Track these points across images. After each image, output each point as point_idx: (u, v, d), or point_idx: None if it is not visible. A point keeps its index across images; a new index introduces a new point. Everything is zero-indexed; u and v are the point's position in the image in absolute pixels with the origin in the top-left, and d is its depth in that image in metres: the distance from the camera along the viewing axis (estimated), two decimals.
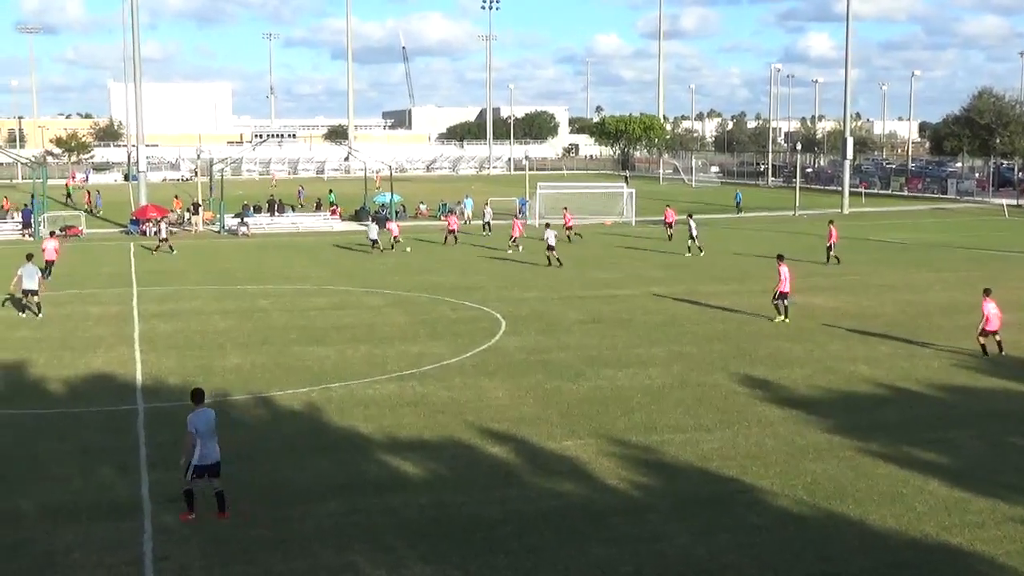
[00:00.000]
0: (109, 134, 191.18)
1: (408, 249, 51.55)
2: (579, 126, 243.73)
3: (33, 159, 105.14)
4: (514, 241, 50.95)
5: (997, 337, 26.46)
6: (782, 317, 31.55)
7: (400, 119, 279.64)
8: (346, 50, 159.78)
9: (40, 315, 33.08)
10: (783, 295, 31.67)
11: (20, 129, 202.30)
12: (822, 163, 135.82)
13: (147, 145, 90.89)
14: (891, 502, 16.37)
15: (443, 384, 24.05)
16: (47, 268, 40.36)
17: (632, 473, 17.88)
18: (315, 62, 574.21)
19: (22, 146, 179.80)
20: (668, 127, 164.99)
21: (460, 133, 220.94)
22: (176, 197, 76.86)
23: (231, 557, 14.44)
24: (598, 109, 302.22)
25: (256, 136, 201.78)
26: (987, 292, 26.87)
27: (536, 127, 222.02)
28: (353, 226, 67.44)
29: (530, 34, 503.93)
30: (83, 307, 35.16)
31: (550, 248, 45.48)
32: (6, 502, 16.64)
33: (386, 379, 24.56)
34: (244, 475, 17.75)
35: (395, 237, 52.62)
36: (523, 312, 33.51)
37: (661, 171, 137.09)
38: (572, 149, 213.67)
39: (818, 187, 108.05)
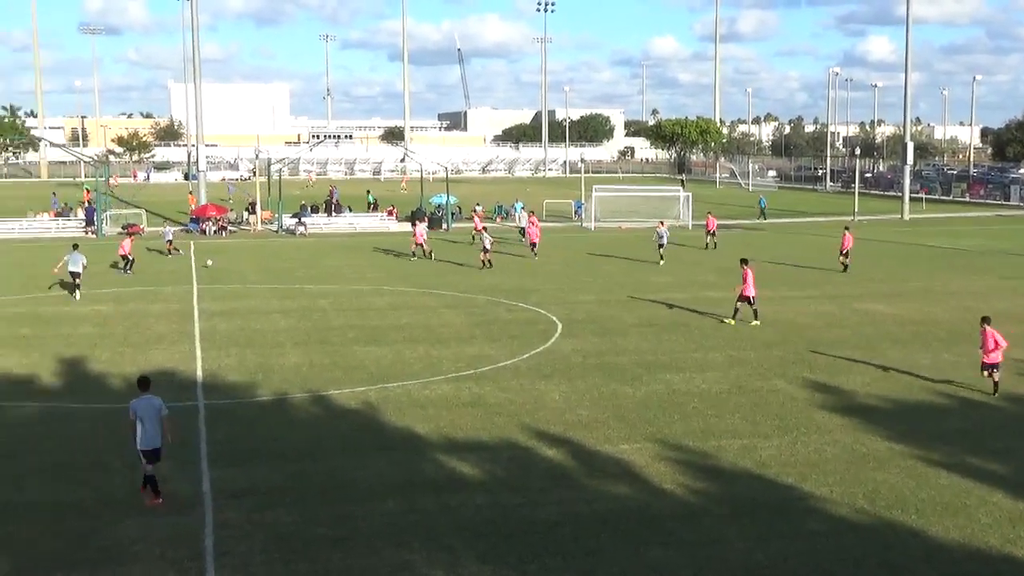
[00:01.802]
0: (169, 134, 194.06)
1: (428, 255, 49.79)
2: (635, 129, 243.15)
3: (95, 157, 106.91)
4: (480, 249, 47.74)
5: (996, 375, 23.31)
6: (732, 320, 32.05)
7: (456, 121, 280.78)
8: (402, 52, 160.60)
9: (77, 296, 36.48)
10: (745, 298, 31.97)
11: (83, 128, 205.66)
12: (881, 168, 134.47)
13: (206, 145, 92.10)
14: (954, 513, 16.15)
15: (499, 386, 24.11)
16: (126, 262, 43.67)
17: (688, 478, 17.81)
18: (372, 63, 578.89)
19: (85, 145, 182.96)
20: (724, 131, 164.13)
21: (515, 135, 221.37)
22: (190, 193, 78.03)
23: (291, 553, 14.58)
24: (654, 112, 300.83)
25: (313, 137, 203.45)
26: (986, 320, 23.73)
27: (591, 130, 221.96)
28: (409, 227, 67.69)
29: (586, 36, 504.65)
30: (145, 304, 35.68)
31: (485, 251, 45.80)
32: (72, 494, 16.94)
33: (443, 380, 24.67)
34: (304, 472, 17.95)
35: (418, 243, 49.39)
36: (579, 315, 33.49)
37: (718, 175, 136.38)
38: (628, 152, 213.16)
39: (877, 192, 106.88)
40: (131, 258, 43.69)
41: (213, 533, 15.28)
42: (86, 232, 62.27)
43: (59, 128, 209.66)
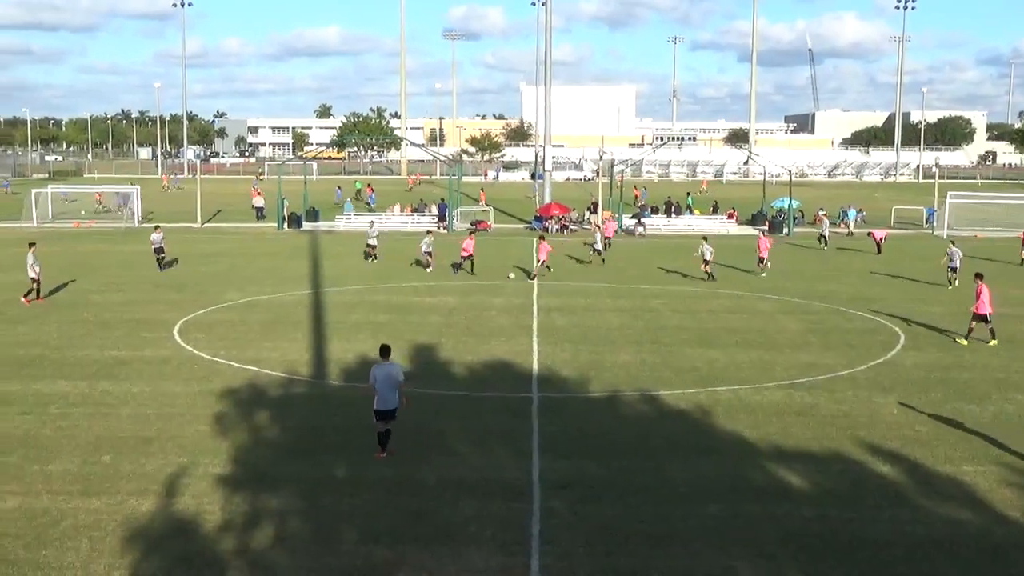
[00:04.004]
0: (519, 134, 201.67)
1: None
2: (998, 132, 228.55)
3: (450, 156, 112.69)
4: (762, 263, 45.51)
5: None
6: (964, 340, 29.58)
7: (803, 123, 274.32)
8: (751, 53, 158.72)
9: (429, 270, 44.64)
10: (980, 316, 29.48)
11: (440, 128, 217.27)
12: None
13: (553, 145, 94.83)
14: None
15: (833, 396, 23.38)
16: (470, 259, 44.59)
17: None
18: (720, 64, 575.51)
19: (441, 144, 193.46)
20: None
21: (866, 138, 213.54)
22: (482, 190, 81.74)
23: (613, 547, 14.83)
24: (1021, 114, 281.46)
25: (657, 139, 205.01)
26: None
27: (949, 133, 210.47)
28: (748, 230, 66.85)
29: (950, 34, 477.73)
30: (488, 298, 37.31)
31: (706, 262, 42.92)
32: (413, 472, 17.99)
33: (775, 386, 24.23)
34: (629, 469, 18.19)
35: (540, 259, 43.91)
36: (924, 326, 31.87)
37: None
38: (989, 157, 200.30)
39: None
40: (470, 258, 45.14)
41: (540, 521, 15.77)
42: (438, 227, 65.77)
43: (419, 128, 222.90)
